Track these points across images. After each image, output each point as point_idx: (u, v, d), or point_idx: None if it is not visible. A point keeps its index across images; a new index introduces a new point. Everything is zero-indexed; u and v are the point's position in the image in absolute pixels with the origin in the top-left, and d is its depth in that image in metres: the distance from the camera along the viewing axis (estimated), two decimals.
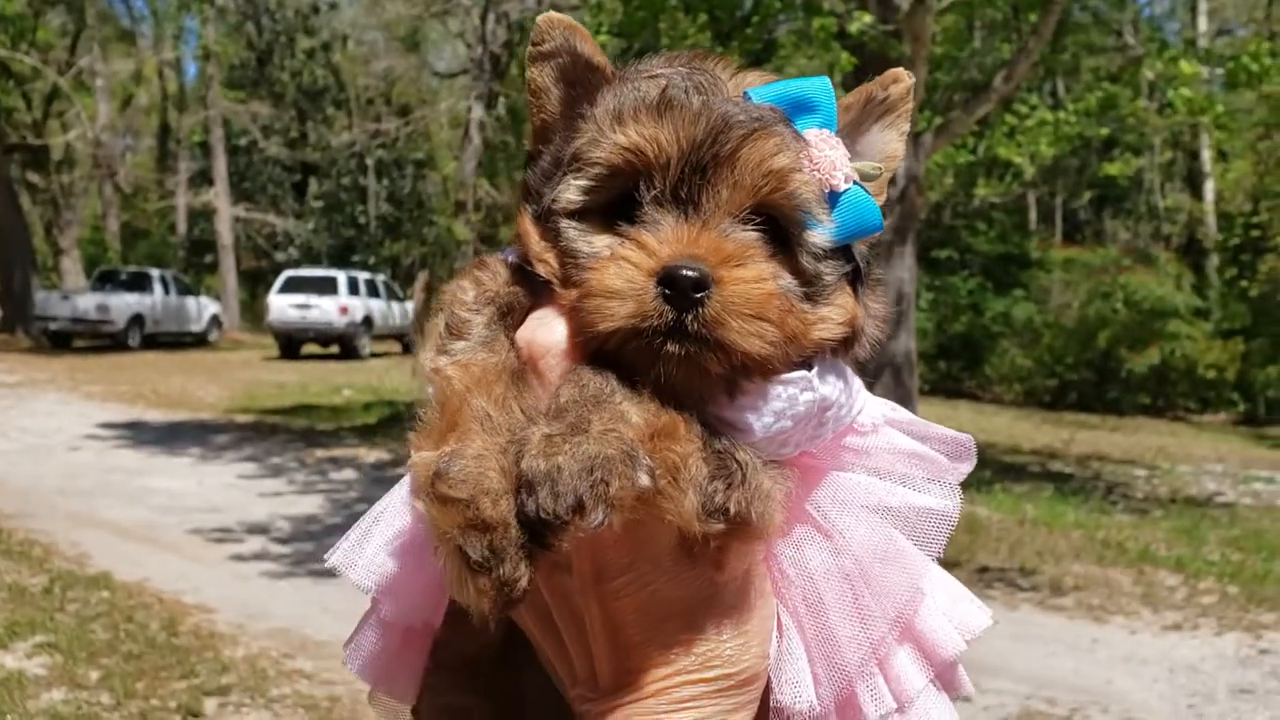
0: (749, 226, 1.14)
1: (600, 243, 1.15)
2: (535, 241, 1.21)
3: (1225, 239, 34.71)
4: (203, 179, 49.70)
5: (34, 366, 29.02)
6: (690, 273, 1.07)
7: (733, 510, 1.08)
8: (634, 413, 1.06)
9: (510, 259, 1.27)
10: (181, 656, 7.92)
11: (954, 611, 1.27)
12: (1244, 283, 31.87)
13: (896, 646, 1.22)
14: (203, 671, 7.66)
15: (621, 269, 1.10)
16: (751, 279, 1.10)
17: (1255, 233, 32.39)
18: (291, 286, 35.47)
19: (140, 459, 16.22)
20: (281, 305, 34.99)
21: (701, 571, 1.14)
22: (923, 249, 24.01)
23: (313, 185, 51.11)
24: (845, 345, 1.23)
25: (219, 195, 45.99)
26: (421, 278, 37.10)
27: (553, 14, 1.26)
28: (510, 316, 1.22)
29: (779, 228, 1.16)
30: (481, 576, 1.06)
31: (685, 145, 1.13)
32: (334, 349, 36.80)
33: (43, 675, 7.56)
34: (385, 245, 50.71)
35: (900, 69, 1.28)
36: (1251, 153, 33.81)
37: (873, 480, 1.25)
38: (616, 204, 1.16)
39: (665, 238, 1.11)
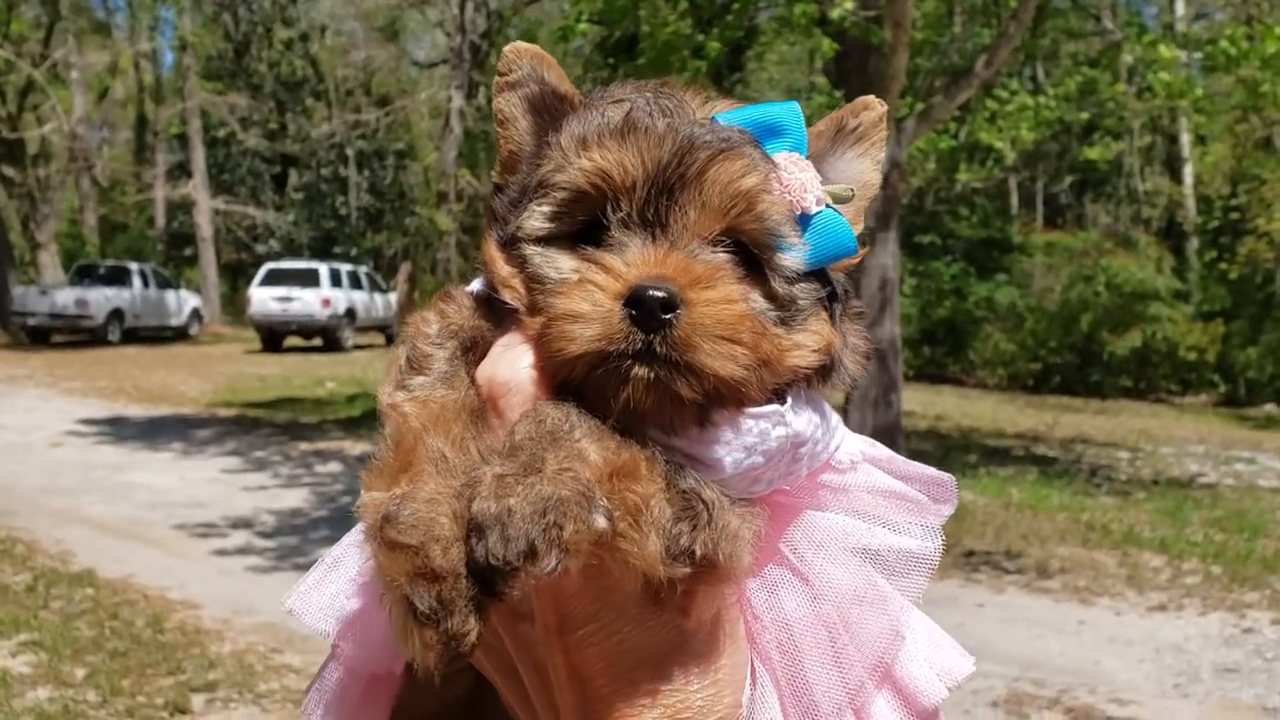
0: (718, 249, 1.11)
1: (566, 267, 1.13)
2: (501, 267, 1.18)
3: (1204, 222, 34.88)
4: (181, 171, 49.45)
5: (12, 363, 28.82)
6: (657, 293, 1.03)
7: (699, 553, 1.03)
8: (592, 450, 1.02)
9: (476, 291, 1.24)
10: (168, 653, 7.88)
11: (935, 658, 1.22)
12: (1223, 265, 32.03)
13: (875, 693, 1.17)
14: (189, 668, 7.62)
15: (587, 292, 1.06)
16: (721, 299, 1.06)
17: (1234, 215, 32.54)
18: (273, 279, 35.34)
19: (122, 455, 16.12)
20: (263, 298, 34.85)
21: (669, 618, 1.10)
22: (906, 235, 24.09)
23: (293, 177, 50.89)
24: (822, 375, 1.18)
25: (198, 188, 45.74)
26: (404, 269, 37.09)
27: (520, 44, 1.24)
28: (473, 351, 1.19)
29: (749, 251, 1.13)
30: (428, 629, 1.01)
31: (651, 167, 1.10)
32: (317, 341, 36.69)
33: (27, 674, 7.51)
34: (367, 237, 50.61)
35: (871, 97, 1.25)
36: (1230, 136, 33.97)
37: (851, 521, 1.21)
38: (583, 230, 1.14)
39: (632, 260, 1.08)
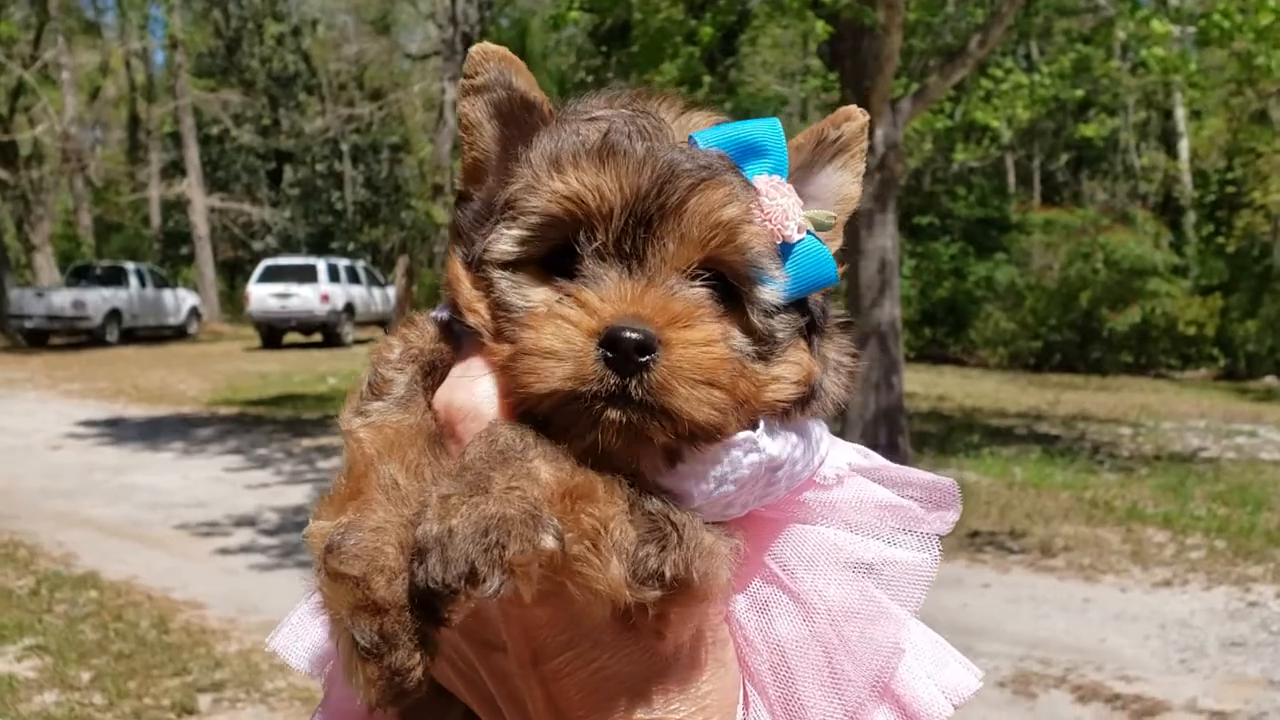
0: (697, 283, 1.07)
1: (536, 297, 1.08)
2: (466, 289, 1.13)
3: (1201, 196, 34.87)
4: (175, 170, 49.34)
5: (10, 366, 28.80)
6: (634, 334, 0.99)
7: (668, 574, 0.99)
8: (545, 471, 0.98)
9: (441, 316, 1.21)
10: (173, 654, 7.86)
11: (939, 674, 1.19)
12: (1221, 239, 32.03)
13: (875, 710, 1.13)
14: (195, 668, 7.61)
15: (559, 328, 1.02)
16: (701, 341, 1.02)
17: (1230, 189, 32.53)
18: (271, 276, 35.29)
19: (123, 456, 16.10)
20: (262, 295, 34.81)
21: (646, 643, 1.06)
22: (904, 216, 24.05)
23: (288, 173, 50.83)
24: (801, 405, 1.14)
25: (192, 186, 45.65)
26: (402, 262, 37.03)
27: (487, 45, 1.19)
28: (434, 376, 1.16)
29: (728, 284, 1.09)
30: (371, 664, 0.98)
31: (629, 195, 1.05)
32: (316, 337, 36.66)
33: (33, 678, 7.51)
34: (363, 231, 50.55)
35: (853, 107, 1.21)
36: (1225, 110, 33.87)
37: (843, 535, 1.17)
38: (554, 256, 1.09)
39: (607, 295, 1.03)
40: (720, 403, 1.03)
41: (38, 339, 35.14)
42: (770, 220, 1.09)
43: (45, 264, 44.14)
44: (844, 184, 1.21)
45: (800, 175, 1.17)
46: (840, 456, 1.20)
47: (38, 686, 7.36)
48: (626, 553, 0.98)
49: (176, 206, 49.98)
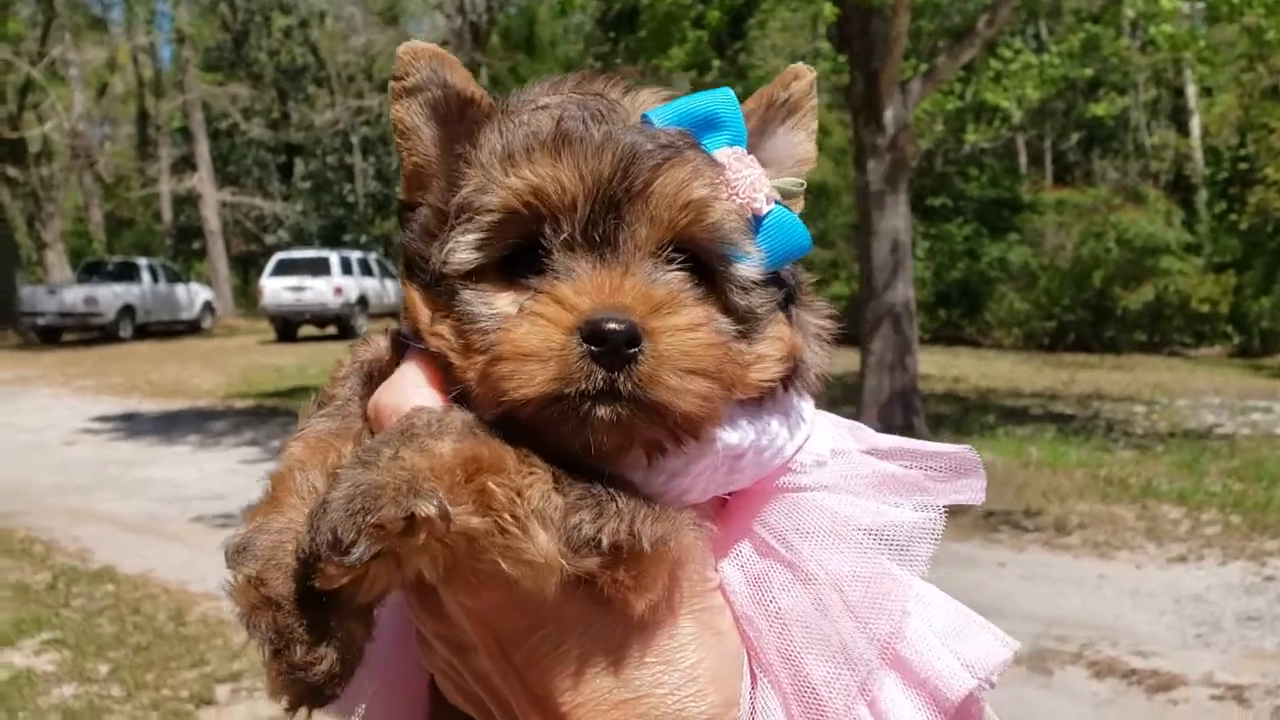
0: (673, 265, 1.03)
1: (502, 302, 1.04)
2: (422, 312, 1.09)
3: (1213, 173, 34.69)
4: (186, 165, 49.43)
5: (24, 363, 28.93)
6: (618, 326, 0.96)
7: (605, 541, 0.96)
8: (443, 445, 0.94)
9: (396, 329, 1.18)
10: (191, 645, 7.89)
11: (961, 646, 1.11)
12: (1233, 216, 31.86)
13: (884, 678, 1.08)
14: (213, 659, 7.64)
15: (536, 327, 0.97)
16: (686, 327, 0.99)
17: (1243, 165, 32.33)
18: (284, 269, 35.34)
19: (138, 450, 16.16)
20: (275, 288, 34.85)
21: (615, 615, 1.02)
22: (916, 197, 23.95)
23: (298, 166, 50.89)
24: (786, 382, 1.11)
25: (203, 180, 45.74)
26: None
27: (416, 43, 1.14)
28: (371, 384, 1.14)
29: (702, 264, 1.05)
30: (274, 662, 0.97)
31: (591, 182, 1.01)
32: (331, 330, 36.71)
33: (52, 671, 7.55)
34: (375, 223, 50.57)
35: (800, 65, 1.17)
36: (1236, 86, 33.67)
37: (840, 499, 1.13)
38: (516, 257, 1.05)
39: (583, 287, 0.99)
40: (709, 392, 0.99)
41: (50, 336, 35.26)
42: (738, 193, 1.06)
43: (57, 261, 44.30)
44: (799, 144, 1.17)
45: (754, 141, 1.14)
46: (825, 440, 1.16)
47: (56, 680, 7.40)
48: (553, 521, 0.95)
49: (188, 201, 50.11)
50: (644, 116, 1.07)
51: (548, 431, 0.98)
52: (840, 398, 16.06)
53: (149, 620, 8.46)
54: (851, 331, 14.79)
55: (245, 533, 1.03)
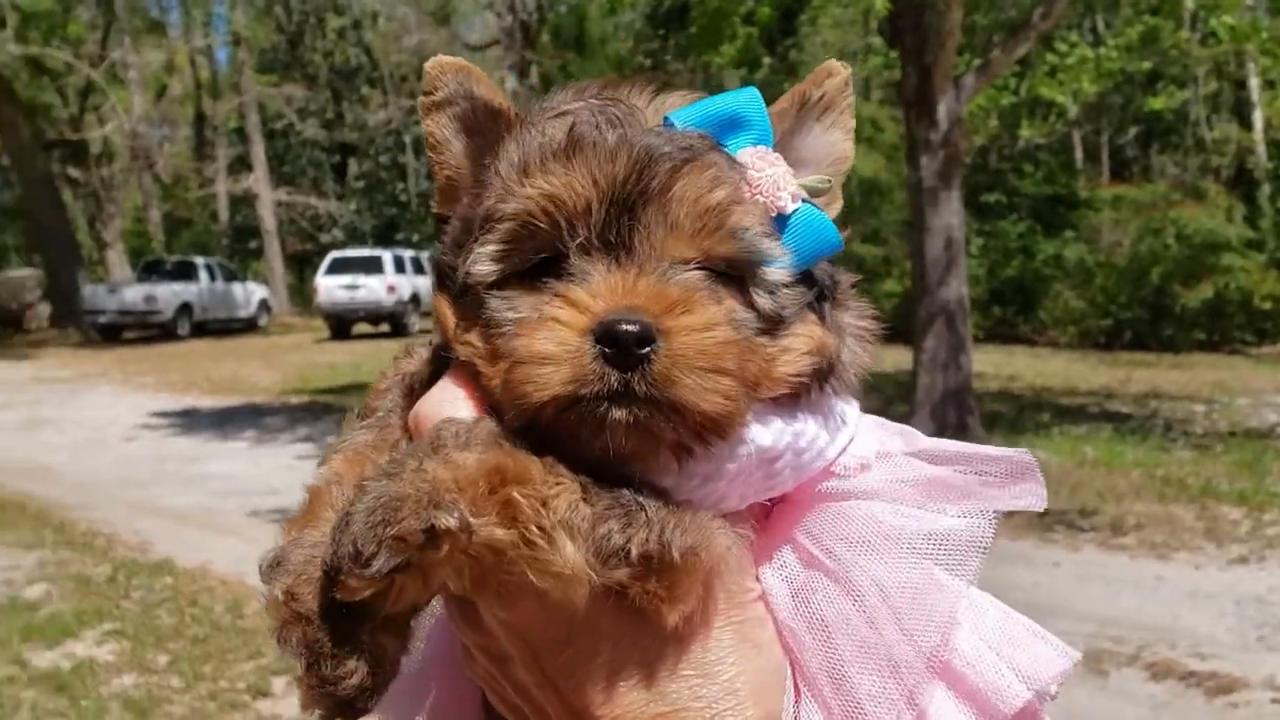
0: (691, 266, 1.02)
1: (524, 308, 1.03)
2: (449, 321, 1.09)
3: (1276, 168, 34.04)
4: (242, 165, 50.06)
5: (85, 360, 29.43)
6: (630, 326, 0.95)
7: (635, 552, 0.95)
8: (468, 456, 0.94)
9: (437, 344, 1.18)
10: (247, 638, 7.99)
11: (1016, 655, 1.10)
12: None
13: (932, 689, 1.06)
14: (269, 652, 7.71)
15: (551, 330, 0.97)
16: (702, 326, 0.98)
17: None
18: (338, 268, 35.73)
19: (196, 445, 16.39)
20: (330, 287, 35.24)
21: (650, 627, 1.00)
22: (970, 194, 23.75)
23: (352, 166, 51.42)
24: (819, 379, 1.09)
25: (259, 180, 46.29)
26: None
27: (442, 58, 1.14)
28: (413, 396, 1.13)
29: (725, 264, 1.04)
30: (306, 675, 0.98)
31: (605, 185, 1.00)
32: (384, 328, 37.04)
33: (112, 661, 7.68)
34: (428, 222, 50.84)
35: (834, 61, 1.15)
36: None
37: (885, 508, 1.11)
38: (539, 264, 1.04)
39: (597, 290, 0.99)
40: (729, 390, 0.98)
41: (111, 334, 35.87)
42: (761, 193, 1.04)
43: (117, 260, 45.09)
44: (835, 143, 1.15)
45: (788, 141, 1.12)
46: (869, 442, 1.14)
47: (116, 670, 7.53)
48: (581, 531, 0.94)
49: (244, 201, 50.74)
50: (665, 119, 1.06)
51: (568, 436, 0.97)
52: (893, 395, 15.96)
53: (207, 612, 8.58)
54: (904, 329, 14.72)
55: (280, 547, 1.04)
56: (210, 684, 7.25)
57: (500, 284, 1.05)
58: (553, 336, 0.97)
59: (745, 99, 1.08)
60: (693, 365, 0.96)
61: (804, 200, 1.07)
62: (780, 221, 1.05)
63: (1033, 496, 1.12)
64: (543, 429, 0.98)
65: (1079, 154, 40.70)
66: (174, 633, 8.19)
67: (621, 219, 1.01)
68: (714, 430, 0.99)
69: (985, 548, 1.09)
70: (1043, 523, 10.63)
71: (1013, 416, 17.04)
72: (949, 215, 14.34)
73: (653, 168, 1.00)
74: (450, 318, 1.09)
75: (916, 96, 14.17)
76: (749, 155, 1.06)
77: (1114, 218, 32.33)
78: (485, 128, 1.13)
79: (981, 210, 31.21)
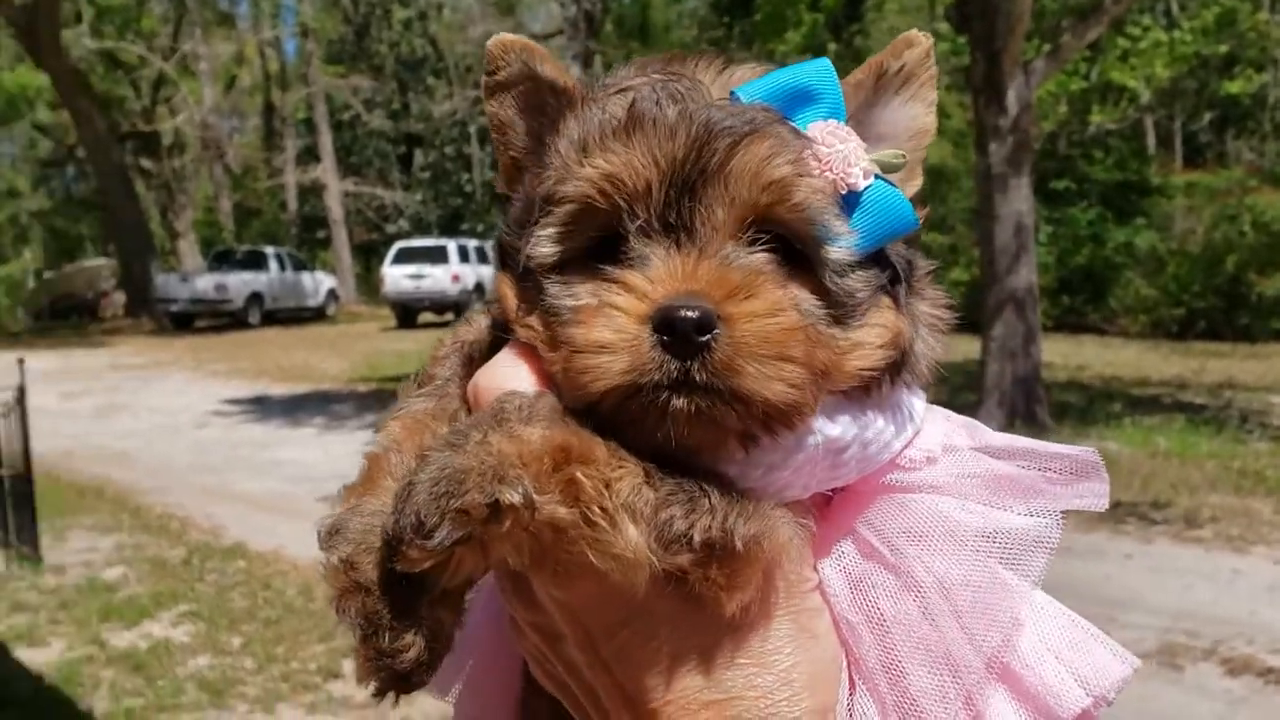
0: (755, 248, 0.99)
1: (584, 293, 1.00)
2: (511, 302, 1.07)
3: None
4: (310, 155, 50.64)
5: (158, 348, 29.99)
6: (690, 312, 0.92)
7: (697, 538, 0.93)
8: (533, 431, 0.92)
9: (496, 317, 1.16)
10: (318, 621, 8.10)
11: (1076, 660, 1.06)
12: None
13: (991, 692, 1.03)
14: (340, 634, 7.80)
15: (609, 318, 0.95)
16: (765, 312, 0.94)
17: None
18: (404, 257, 36.06)
19: (267, 432, 16.65)
20: (396, 276, 35.58)
21: (710, 613, 0.98)
22: (1039, 180, 23.42)
23: (418, 156, 51.80)
24: (891, 372, 1.05)
25: (327, 171, 46.81)
26: None
27: (505, 36, 1.11)
28: (472, 365, 1.11)
29: (790, 245, 1.00)
30: (363, 647, 0.97)
31: (665, 165, 0.97)
32: (449, 316, 37.30)
33: (187, 642, 7.83)
34: (492, 212, 51.13)
35: (915, 32, 1.10)
36: None
37: (949, 502, 1.07)
38: (599, 246, 1.01)
39: (657, 275, 0.96)
40: (795, 378, 0.94)
41: (183, 322, 36.54)
42: (830, 169, 1.00)
43: (189, 249, 45.86)
44: (915, 116, 1.10)
45: (865, 114, 1.08)
46: (935, 435, 1.11)
47: (192, 651, 7.68)
48: (643, 515, 0.92)
49: (312, 191, 51.35)
50: (731, 93, 1.02)
51: (630, 425, 0.95)
52: (961, 385, 15.80)
53: (279, 595, 8.72)
54: (972, 317, 14.57)
55: (339, 514, 1.02)
56: (283, 665, 7.37)
57: (561, 267, 1.03)
58: (610, 324, 0.95)
59: (816, 70, 1.04)
60: (756, 352, 0.93)
61: (877, 176, 1.03)
62: (852, 199, 1.01)
63: (1096, 496, 1.09)
64: (604, 417, 0.96)
65: (1151, 139, 39.95)
66: (247, 615, 8.33)
67: (682, 199, 0.98)
68: (780, 420, 0.96)
69: (1051, 548, 1.06)
70: (1114, 515, 10.47)
71: (1082, 406, 16.80)
72: (1018, 202, 14.16)
73: (712, 144, 0.97)
74: (512, 299, 1.07)
75: (985, 82, 14.00)
76: (818, 130, 1.02)
77: (1187, 204, 31.73)
78: (548, 106, 1.10)
79: (1050, 197, 30.74)
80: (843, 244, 1.00)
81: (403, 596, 0.96)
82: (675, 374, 0.92)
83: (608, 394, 0.94)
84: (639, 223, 0.98)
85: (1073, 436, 13.89)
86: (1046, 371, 16.03)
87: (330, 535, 1.00)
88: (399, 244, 38.18)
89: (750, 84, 1.03)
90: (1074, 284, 31.05)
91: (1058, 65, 14.75)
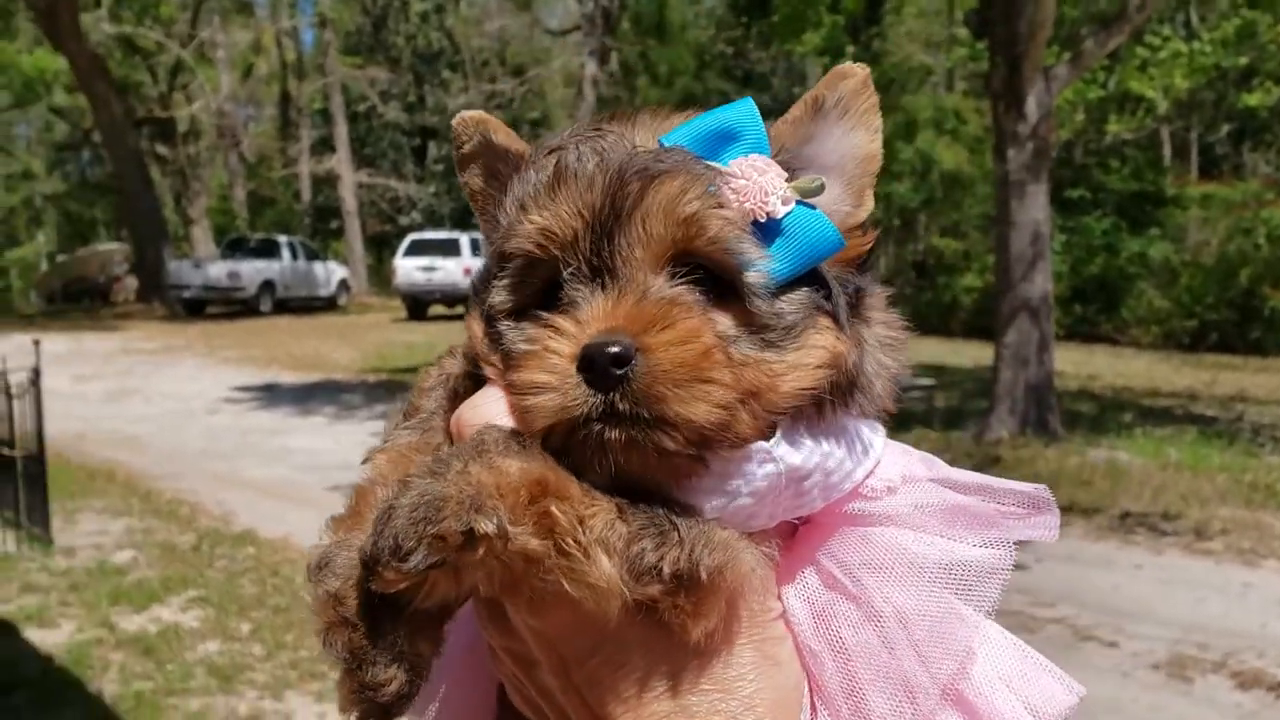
0: (678, 280, 1.04)
1: (530, 337, 1.06)
2: (481, 343, 1.13)
3: None
4: (325, 146, 50.71)
5: (170, 334, 30.05)
6: (609, 348, 0.97)
7: (667, 570, 0.97)
8: (511, 464, 0.96)
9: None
10: None
11: (1026, 689, 1.11)
12: None
13: (948, 716, 1.07)
14: (329, 665, 7.83)
15: (544, 360, 1.01)
16: (679, 339, 0.99)
17: None
18: (416, 249, 36.09)
19: (277, 420, 16.68)
20: (407, 268, 35.62)
21: (676, 641, 1.02)
22: (1054, 189, 23.40)
23: (432, 149, 51.84)
24: (840, 394, 1.08)
25: (341, 162, 46.86)
26: None
27: (466, 113, 1.21)
28: (457, 400, 1.15)
29: (714, 274, 1.04)
30: (347, 679, 1.00)
31: (587, 214, 1.04)
32: (459, 309, 37.32)
33: (196, 628, 7.85)
34: None
35: (848, 64, 1.14)
36: None
37: (907, 535, 1.11)
38: (545, 293, 1.08)
39: (584, 316, 1.02)
40: (719, 398, 0.99)
41: (195, 308, 36.60)
42: (748, 199, 1.04)
43: (202, 236, 45.92)
44: (859, 144, 1.13)
45: (807, 148, 1.12)
46: (895, 466, 1.14)
47: (201, 636, 7.70)
48: (616, 549, 0.96)
49: (326, 182, 51.41)
50: (659, 141, 1.07)
51: (577, 458, 1.00)
52: (973, 391, 15.78)
53: (288, 582, 8.74)
54: (986, 324, 14.52)
55: (327, 547, 1.06)
56: (291, 653, 7.39)
57: (516, 314, 1.10)
58: (544, 366, 1.00)
59: (737, 111, 1.09)
60: (673, 377, 0.98)
61: (799, 202, 1.07)
62: (773, 226, 1.05)
63: (1047, 528, 1.14)
64: (555, 452, 1.00)
65: (1167, 150, 39.84)
66: (256, 602, 8.35)
67: (603, 243, 1.04)
68: (715, 439, 1.00)
69: (1004, 578, 1.11)
70: (1124, 524, 10.47)
71: (1094, 416, 16.78)
72: (1035, 209, 14.14)
73: (625, 188, 1.03)
74: (479, 337, 1.14)
75: (1005, 88, 13.97)
76: (738, 165, 1.06)
77: (1202, 216, 31.66)
78: (500, 171, 1.19)
79: (1065, 206, 30.70)
80: (760, 269, 1.04)
81: (377, 616, 1.00)
82: (601, 406, 0.97)
83: (551, 429, 1.00)
84: (570, 269, 1.05)
85: (1084, 446, 13.88)
86: (1058, 381, 15.99)
87: (319, 569, 1.04)
88: (411, 236, 38.23)
89: (675, 130, 1.08)
90: (1087, 293, 31.01)
91: (1079, 72, 14.71)
